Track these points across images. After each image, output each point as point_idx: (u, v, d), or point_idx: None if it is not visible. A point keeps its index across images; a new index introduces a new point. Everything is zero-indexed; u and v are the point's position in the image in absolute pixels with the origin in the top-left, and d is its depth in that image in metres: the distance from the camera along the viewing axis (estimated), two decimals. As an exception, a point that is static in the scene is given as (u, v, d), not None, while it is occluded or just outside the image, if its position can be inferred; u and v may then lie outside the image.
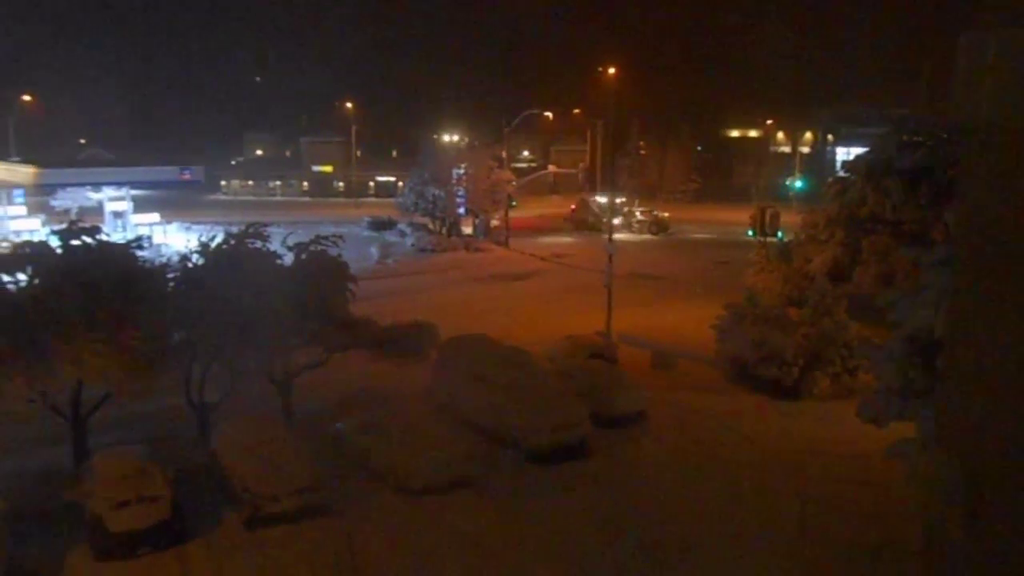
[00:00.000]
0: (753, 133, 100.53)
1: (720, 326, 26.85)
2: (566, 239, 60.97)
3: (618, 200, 65.97)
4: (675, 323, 32.98)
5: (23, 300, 18.22)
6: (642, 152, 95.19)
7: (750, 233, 58.95)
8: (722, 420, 22.90)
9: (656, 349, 28.83)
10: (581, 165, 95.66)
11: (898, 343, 13.83)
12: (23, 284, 18.79)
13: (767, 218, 58.93)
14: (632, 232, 62.81)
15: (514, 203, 65.02)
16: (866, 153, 31.52)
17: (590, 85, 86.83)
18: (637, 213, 65.54)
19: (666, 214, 65.93)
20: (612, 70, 65.71)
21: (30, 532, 16.17)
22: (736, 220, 62.12)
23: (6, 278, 18.76)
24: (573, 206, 68.15)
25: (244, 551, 15.70)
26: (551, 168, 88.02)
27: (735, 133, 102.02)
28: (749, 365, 25.23)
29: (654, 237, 62.13)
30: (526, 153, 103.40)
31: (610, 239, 31.09)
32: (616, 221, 63.71)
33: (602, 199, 66.01)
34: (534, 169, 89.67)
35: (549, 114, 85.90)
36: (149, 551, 15.52)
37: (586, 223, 64.62)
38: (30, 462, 19.37)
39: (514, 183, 64.26)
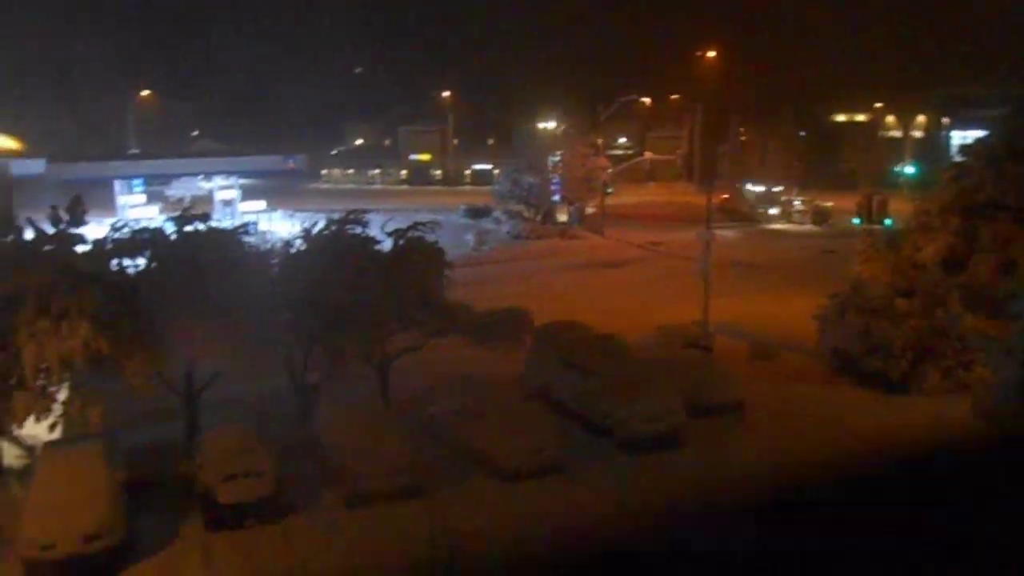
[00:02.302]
0: (861, 117, 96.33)
1: (823, 316, 25.98)
2: (730, 235, 54.73)
3: (775, 188, 64.03)
4: (776, 313, 32.09)
5: (141, 283, 19.30)
6: (742, 138, 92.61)
7: (856, 221, 56.73)
8: (823, 413, 22.18)
9: (754, 339, 28.15)
10: (678, 152, 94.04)
11: (1018, 336, 13.08)
12: (141, 268, 19.91)
13: (874, 205, 56.50)
14: (791, 223, 59.62)
15: (610, 190, 64.46)
16: (986, 136, 29.78)
17: (689, 70, 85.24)
18: (796, 202, 62.09)
19: (830, 203, 61.26)
20: (712, 54, 64.13)
21: (147, 501, 17.18)
22: (842, 208, 59.93)
23: (126, 262, 19.90)
24: (725, 195, 64.51)
25: (343, 527, 16.21)
26: (647, 155, 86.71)
27: (841, 118, 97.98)
28: (853, 357, 24.34)
29: (816, 228, 57.98)
30: (622, 140, 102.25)
31: (707, 226, 30.42)
32: (773, 211, 62.12)
33: (757, 188, 63.94)
34: (630, 156, 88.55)
35: (646, 100, 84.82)
36: (255, 523, 16.23)
37: (739, 212, 61.89)
38: (147, 436, 20.46)
39: (610, 170, 63.74)
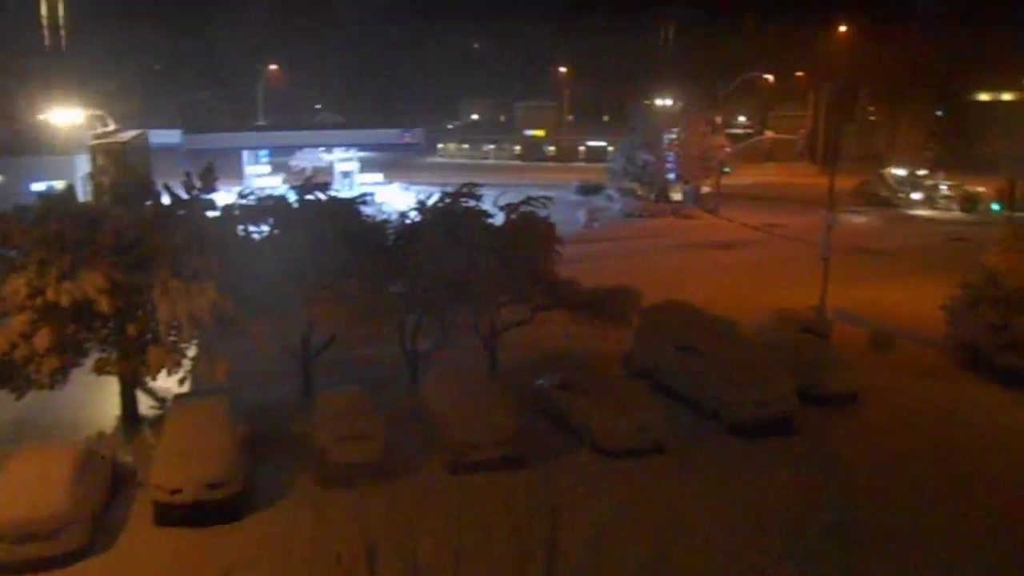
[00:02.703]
0: (1007, 96, 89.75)
1: (952, 307, 24.56)
2: (857, 219, 52.31)
3: (919, 172, 60.66)
4: (899, 302, 30.57)
5: (265, 248, 20.19)
6: (871, 118, 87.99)
7: (995, 207, 52.99)
8: (946, 408, 21.06)
9: (875, 328, 26.89)
10: (802, 131, 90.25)
11: None
12: (265, 234, 20.83)
13: (1018, 192, 52.47)
14: (936, 208, 55.89)
15: (727, 169, 62.72)
16: None
17: (815, 45, 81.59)
18: (942, 187, 57.79)
19: (980, 188, 56.11)
20: (842, 28, 60.89)
21: (264, 455, 18.10)
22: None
23: (252, 228, 20.85)
24: (864, 178, 61.09)
25: (446, 493, 16.59)
26: (768, 134, 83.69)
27: (985, 96, 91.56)
28: (985, 352, 22.94)
29: (963, 215, 53.67)
30: (742, 118, 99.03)
31: (829, 209, 29.17)
32: (916, 196, 58.73)
33: (900, 171, 60.44)
34: (750, 135, 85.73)
35: (769, 77, 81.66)
36: (364, 483, 16.83)
37: (878, 197, 58.50)
38: (266, 394, 21.52)
39: (728, 149, 61.99)
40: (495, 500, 16.03)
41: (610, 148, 78.16)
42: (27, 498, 14.66)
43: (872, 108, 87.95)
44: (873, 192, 59.41)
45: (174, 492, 15.71)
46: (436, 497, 16.48)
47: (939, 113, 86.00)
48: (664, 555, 14.03)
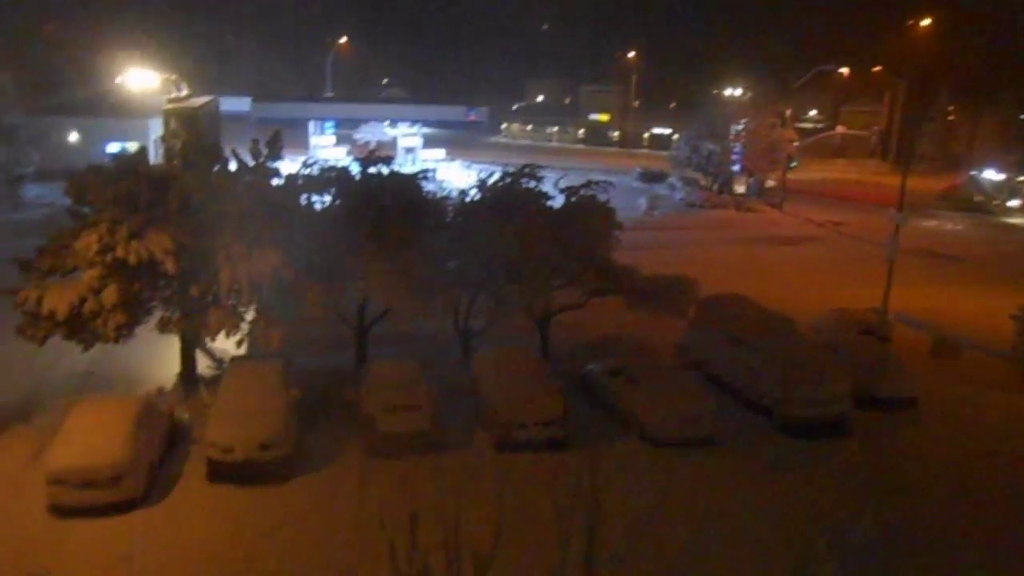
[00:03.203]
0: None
1: (1022, 317, 23.70)
2: (945, 225, 50.41)
3: (1019, 178, 57.92)
4: (967, 310, 29.63)
5: (326, 219, 20.49)
6: (950, 117, 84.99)
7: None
8: (1006, 420, 20.39)
9: (938, 334, 26.12)
10: (875, 128, 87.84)
11: None
12: (327, 204, 21.12)
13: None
14: None
15: (794, 164, 61.35)
16: None
17: (894, 40, 79.02)
18: None
19: None
20: (926, 22, 58.76)
21: (315, 421, 18.46)
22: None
23: (314, 197, 21.16)
24: (956, 181, 58.88)
25: (491, 470, 16.70)
26: (839, 129, 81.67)
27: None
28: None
29: None
30: (813, 112, 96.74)
31: (899, 209, 28.33)
32: (1013, 203, 56.16)
33: (996, 176, 57.77)
34: (820, 130, 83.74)
35: (843, 70, 79.55)
36: (410, 454, 17.04)
37: (970, 202, 56.22)
38: (319, 362, 21.91)
39: (796, 143, 60.62)
40: (539, 480, 16.08)
41: (675, 136, 77.21)
42: (89, 446, 15.23)
43: (951, 107, 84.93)
44: (966, 196, 57.01)
45: (227, 450, 16.15)
46: (481, 472, 16.59)
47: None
48: (704, 546, 13.93)
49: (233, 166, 20.45)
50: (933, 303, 29.96)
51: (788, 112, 61.06)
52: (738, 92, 69.36)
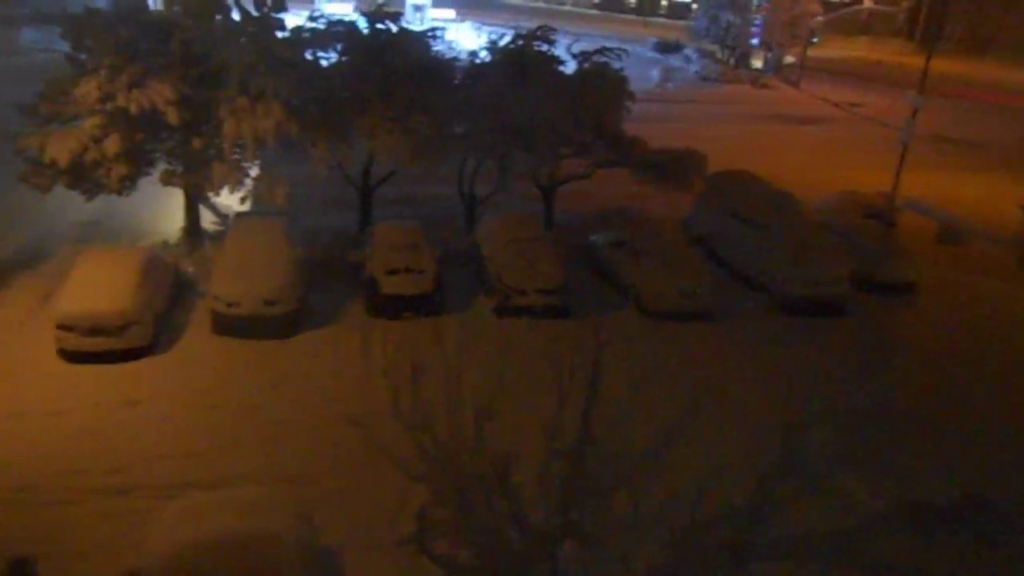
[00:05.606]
0: None
1: (1029, 206, 23.54)
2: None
3: None
4: (976, 197, 29.26)
5: (332, 75, 19.95)
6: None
7: None
8: (1008, 309, 20.59)
9: (945, 220, 25.98)
10: (904, 4, 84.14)
11: None
12: (333, 61, 20.52)
13: None
14: None
15: (815, 40, 59.15)
16: None
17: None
18: None
19: None
20: None
21: (318, 280, 18.66)
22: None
23: (320, 53, 20.54)
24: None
25: (491, 332, 17.04)
26: (866, 3, 78.25)
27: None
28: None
29: None
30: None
31: (920, 91, 27.52)
32: None
33: None
34: (846, 4, 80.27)
35: (877, -59, 75.45)
36: (411, 316, 17.34)
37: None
38: (323, 222, 21.90)
39: (819, 17, 58.25)
40: (537, 344, 16.40)
41: (694, 5, 74.12)
42: (97, 294, 15.48)
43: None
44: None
45: (231, 304, 16.41)
46: (479, 336, 16.78)
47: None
48: (696, 409, 14.31)
49: (236, 16, 19.75)
50: (942, 189, 29.60)
51: (814, -17, 58.30)
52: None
